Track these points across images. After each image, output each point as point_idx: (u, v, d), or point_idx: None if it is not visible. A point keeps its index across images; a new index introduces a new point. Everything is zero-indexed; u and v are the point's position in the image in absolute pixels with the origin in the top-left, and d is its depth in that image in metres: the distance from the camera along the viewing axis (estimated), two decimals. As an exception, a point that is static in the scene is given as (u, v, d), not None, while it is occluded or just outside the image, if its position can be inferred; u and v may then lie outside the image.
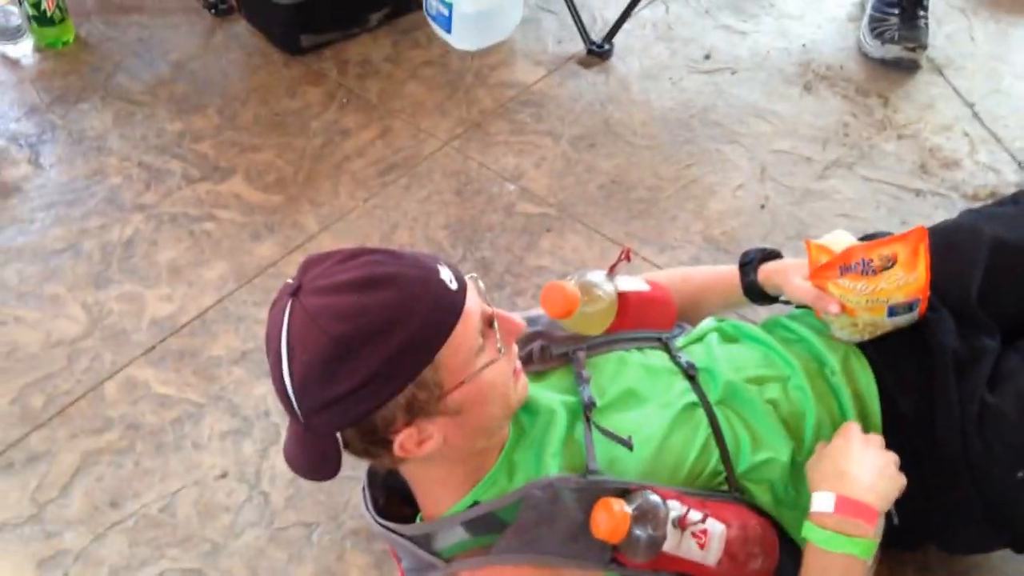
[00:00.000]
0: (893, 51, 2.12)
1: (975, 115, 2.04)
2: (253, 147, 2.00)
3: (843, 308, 1.15)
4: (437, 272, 0.96)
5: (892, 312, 1.16)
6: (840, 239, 1.20)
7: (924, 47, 2.11)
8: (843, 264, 1.14)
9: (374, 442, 0.97)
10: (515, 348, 1.06)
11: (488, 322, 1.01)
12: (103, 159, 1.96)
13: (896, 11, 2.14)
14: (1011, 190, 1.87)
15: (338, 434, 0.95)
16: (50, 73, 2.16)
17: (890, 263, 1.12)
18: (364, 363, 0.91)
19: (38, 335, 1.64)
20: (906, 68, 2.13)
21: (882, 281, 1.13)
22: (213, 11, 2.32)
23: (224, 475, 1.47)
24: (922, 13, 2.15)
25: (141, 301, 1.70)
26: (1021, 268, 1.25)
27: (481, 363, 0.98)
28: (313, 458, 0.99)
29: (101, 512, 1.43)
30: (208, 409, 1.54)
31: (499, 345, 1.01)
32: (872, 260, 1.13)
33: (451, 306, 0.95)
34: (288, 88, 2.14)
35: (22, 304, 1.69)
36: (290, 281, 0.96)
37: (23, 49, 2.19)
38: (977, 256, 1.24)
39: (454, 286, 0.96)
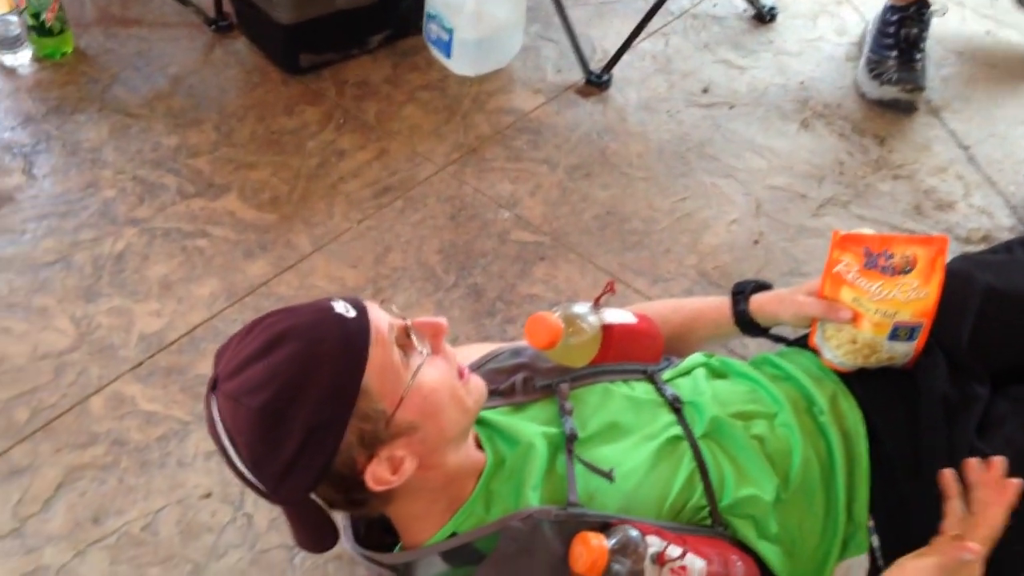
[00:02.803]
0: (890, 92, 2.13)
1: (970, 158, 2.06)
2: (249, 164, 2.00)
3: (854, 316, 1.16)
4: (331, 308, 0.96)
5: (894, 334, 1.16)
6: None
7: (921, 89, 2.13)
8: (869, 248, 1.15)
9: (350, 489, 0.97)
10: (448, 347, 1.05)
11: (405, 333, 1.01)
12: (97, 171, 1.96)
13: (894, 53, 2.15)
14: (1004, 234, 1.88)
15: (318, 499, 0.97)
16: (47, 83, 2.15)
17: (909, 267, 1.14)
18: (298, 419, 0.92)
19: (25, 347, 1.63)
20: (903, 109, 2.15)
21: (896, 288, 1.14)
22: (213, 27, 2.32)
23: (208, 495, 1.46)
24: (919, 56, 2.17)
25: (130, 316, 1.69)
26: (1011, 317, 1.25)
27: (411, 372, 0.98)
28: (309, 531, 1.01)
29: (83, 528, 1.41)
30: (194, 428, 1.53)
31: (420, 348, 1.00)
32: (894, 255, 1.14)
33: (356, 332, 0.95)
34: (286, 107, 2.14)
35: (10, 315, 1.68)
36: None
37: (21, 59, 2.19)
38: (969, 304, 1.24)
39: (352, 314, 0.96)
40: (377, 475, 0.97)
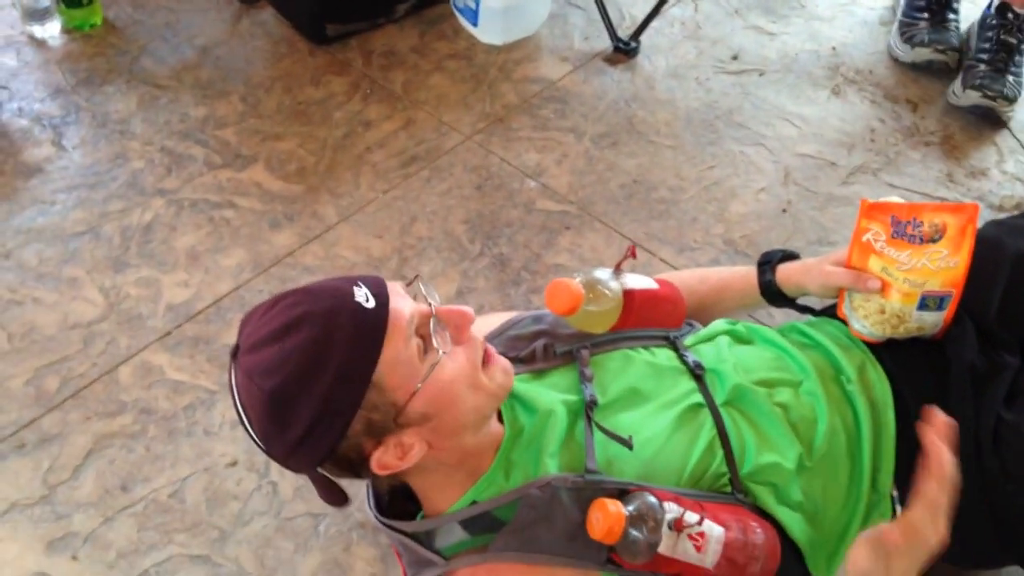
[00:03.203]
0: (923, 54, 2.09)
1: (1005, 125, 2.01)
2: (275, 135, 2.00)
3: (882, 285, 1.15)
4: (351, 295, 0.95)
5: (923, 304, 1.15)
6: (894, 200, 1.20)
7: (954, 50, 2.08)
8: (897, 216, 1.14)
9: (356, 467, 0.98)
10: (475, 335, 1.04)
11: (429, 322, 1.00)
12: (126, 143, 1.97)
13: (925, 15, 2.11)
14: (1039, 202, 1.84)
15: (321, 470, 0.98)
16: (76, 55, 2.17)
17: (938, 235, 1.12)
18: (304, 407, 0.92)
19: (55, 317, 1.65)
20: (936, 71, 2.10)
21: (924, 256, 1.13)
22: (240, -3, 2.33)
23: (234, 463, 1.47)
24: (952, 16, 2.12)
25: (158, 286, 1.71)
26: (1044, 284, 1.23)
27: (428, 366, 0.97)
28: (322, 491, 1.03)
29: (111, 495, 1.43)
30: (220, 396, 1.55)
31: (436, 344, 0.98)
32: (923, 224, 1.12)
33: (372, 326, 0.94)
34: (312, 77, 2.13)
35: (40, 285, 1.70)
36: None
37: (51, 30, 2.20)
38: (999, 271, 1.22)
39: (371, 304, 0.95)
40: (383, 461, 0.97)
